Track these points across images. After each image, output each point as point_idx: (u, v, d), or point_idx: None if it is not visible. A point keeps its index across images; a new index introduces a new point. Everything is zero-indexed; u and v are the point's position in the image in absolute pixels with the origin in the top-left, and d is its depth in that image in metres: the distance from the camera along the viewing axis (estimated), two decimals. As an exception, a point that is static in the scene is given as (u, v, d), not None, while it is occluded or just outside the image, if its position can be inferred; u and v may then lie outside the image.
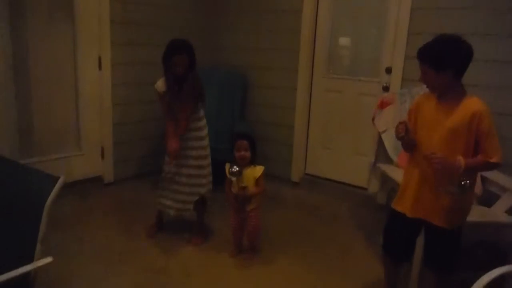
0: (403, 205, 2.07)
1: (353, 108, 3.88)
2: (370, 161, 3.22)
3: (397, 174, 2.84)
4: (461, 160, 1.84)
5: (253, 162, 2.68)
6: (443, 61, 1.84)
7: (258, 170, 2.66)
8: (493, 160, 1.85)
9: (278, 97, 4.21)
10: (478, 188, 2.76)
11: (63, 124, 3.62)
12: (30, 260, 1.46)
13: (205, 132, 2.88)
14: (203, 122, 2.89)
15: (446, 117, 1.91)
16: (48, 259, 1.46)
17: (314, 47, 4.00)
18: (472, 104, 1.86)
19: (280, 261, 2.80)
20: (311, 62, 4.03)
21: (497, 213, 2.59)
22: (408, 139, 1.99)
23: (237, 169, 2.59)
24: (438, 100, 1.96)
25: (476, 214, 2.64)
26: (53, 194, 1.48)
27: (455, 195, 1.89)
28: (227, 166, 2.67)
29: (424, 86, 2.88)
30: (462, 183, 1.84)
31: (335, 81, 3.96)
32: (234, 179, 2.61)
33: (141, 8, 3.89)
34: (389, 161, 3.06)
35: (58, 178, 1.51)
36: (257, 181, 2.65)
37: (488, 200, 2.75)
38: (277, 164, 4.12)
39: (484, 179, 2.78)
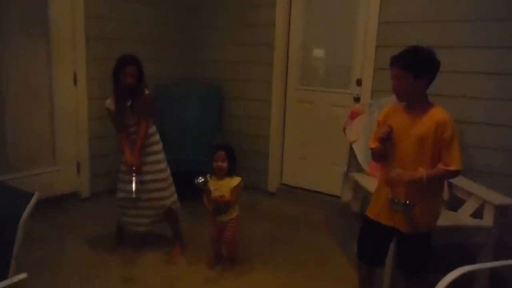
0: (377, 213, 2.15)
1: (326, 119, 3.98)
2: (342, 171, 3.30)
3: (368, 182, 2.93)
4: (422, 171, 1.93)
5: (231, 173, 2.73)
6: (423, 68, 1.94)
7: (235, 180, 2.71)
8: (453, 168, 1.95)
9: (253, 108, 4.29)
10: (445, 194, 2.88)
11: (38, 140, 3.61)
12: (4, 276, 1.47)
13: (160, 146, 2.93)
14: (157, 136, 2.93)
15: (413, 126, 1.99)
16: (23, 275, 1.47)
17: (288, 59, 4.10)
18: (436, 113, 1.96)
19: (258, 270, 2.85)
20: (285, 74, 4.13)
21: (463, 217, 2.70)
22: (385, 145, 2.05)
23: (202, 179, 2.66)
24: (405, 110, 2.05)
25: (444, 218, 2.74)
26: (28, 210, 1.50)
27: (402, 213, 1.98)
28: (208, 178, 2.72)
29: (393, 96, 3.01)
30: (407, 202, 1.93)
31: (308, 93, 4.07)
32: (201, 187, 2.68)
33: (117, 23, 3.93)
34: (361, 169, 3.15)
35: (32, 194, 1.53)
36: (231, 190, 2.69)
37: (455, 204, 2.86)
38: (253, 174, 4.18)
39: (450, 185, 2.89)
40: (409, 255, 2.16)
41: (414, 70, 1.93)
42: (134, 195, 2.70)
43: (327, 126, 3.97)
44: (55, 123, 3.67)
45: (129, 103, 2.75)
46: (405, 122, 2.02)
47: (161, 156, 2.91)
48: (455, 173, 1.99)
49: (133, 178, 2.71)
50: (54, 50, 3.56)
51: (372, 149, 2.17)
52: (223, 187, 2.69)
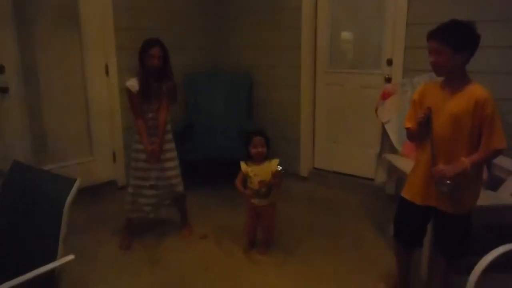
0: (413, 194, 2.12)
1: (356, 101, 3.92)
2: (375, 152, 3.26)
3: (403, 163, 2.88)
4: (464, 161, 1.89)
5: (267, 157, 2.74)
6: (463, 41, 1.87)
7: (274, 163, 2.72)
8: (497, 146, 1.89)
9: (282, 94, 4.27)
10: (484, 173, 2.80)
11: (74, 131, 3.72)
12: (53, 259, 1.53)
13: (171, 134, 2.94)
14: (169, 125, 2.93)
15: (449, 103, 1.94)
16: (70, 257, 1.53)
17: (315, 43, 4.05)
18: (475, 90, 1.89)
19: (294, 254, 2.87)
20: (313, 58, 4.09)
21: (503, 196, 2.63)
22: (426, 125, 1.99)
23: (281, 168, 2.69)
24: (442, 86, 2.00)
25: (484, 198, 2.67)
26: (72, 195, 1.56)
27: (445, 193, 1.95)
28: (243, 163, 2.75)
29: (426, 75, 2.95)
30: (448, 182, 1.90)
31: (338, 75, 4.02)
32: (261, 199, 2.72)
33: (144, 13, 3.97)
34: (394, 151, 3.10)
35: (75, 180, 1.59)
36: (274, 174, 2.70)
37: (494, 184, 2.78)
38: (285, 160, 4.11)
39: (489, 164, 2.81)
40: (449, 237, 2.12)
41: (452, 43, 1.86)
42: (153, 182, 2.78)
43: (357, 108, 3.92)
44: (90, 114, 3.78)
45: (154, 88, 2.75)
46: (442, 99, 1.97)
47: (174, 143, 2.95)
48: (499, 152, 1.93)
49: (153, 165, 2.78)
50: (85, 43, 3.64)
51: (407, 128, 2.13)
52: (263, 171, 2.70)
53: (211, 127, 4.22)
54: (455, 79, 1.95)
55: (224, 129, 4.19)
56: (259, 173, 2.70)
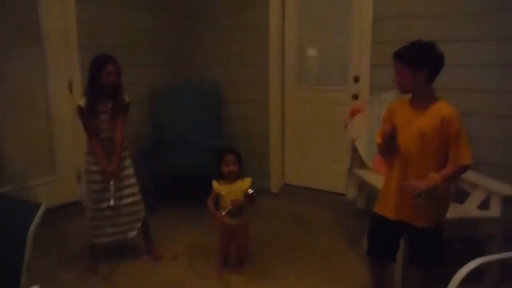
0: (385, 209, 2.13)
1: (325, 117, 3.97)
2: (346, 168, 3.29)
3: (373, 178, 2.92)
4: (434, 177, 1.92)
5: (239, 175, 2.70)
6: (419, 60, 1.92)
7: (247, 182, 2.69)
8: (464, 163, 1.94)
9: (252, 110, 4.27)
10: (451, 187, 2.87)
11: (36, 150, 3.57)
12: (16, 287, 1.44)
13: (128, 151, 2.84)
14: (126, 143, 2.82)
15: (416, 120, 1.98)
16: (35, 287, 1.44)
17: (284, 60, 4.09)
18: (441, 108, 1.94)
19: (268, 272, 2.83)
20: (282, 75, 4.12)
21: (470, 208, 2.70)
22: (391, 141, 2.03)
23: (252, 191, 2.63)
24: (410, 104, 2.05)
25: (451, 211, 2.73)
26: (36, 221, 1.47)
27: (421, 205, 1.96)
28: (215, 182, 2.70)
29: (393, 92, 3.02)
30: (424, 194, 1.92)
31: (306, 92, 4.06)
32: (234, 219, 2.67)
33: (110, 29, 3.90)
34: (364, 166, 3.14)
35: (40, 204, 1.50)
36: (246, 197, 2.65)
37: (460, 197, 2.86)
38: (255, 176, 4.11)
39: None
40: (422, 250, 2.14)
41: (410, 63, 1.93)
42: (112, 203, 2.63)
43: (326, 124, 3.97)
44: (52, 133, 3.64)
45: (109, 106, 2.67)
46: (410, 116, 2.02)
47: (130, 161, 2.86)
48: (467, 168, 1.98)
49: (111, 185, 2.64)
50: (48, 59, 3.53)
51: (378, 144, 2.16)
52: (235, 190, 2.66)
53: (180, 143, 4.15)
54: (420, 96, 2.00)
55: (193, 146, 4.13)
56: (232, 192, 2.66)
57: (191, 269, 2.86)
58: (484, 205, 2.65)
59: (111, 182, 2.64)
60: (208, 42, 4.44)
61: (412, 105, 2.04)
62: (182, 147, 4.12)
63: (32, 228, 1.46)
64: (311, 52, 4.07)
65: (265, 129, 4.21)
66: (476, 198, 2.72)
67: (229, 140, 4.26)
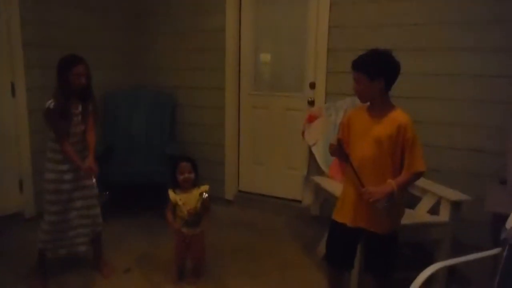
0: (343, 216, 2.16)
1: (281, 123, 3.98)
2: (302, 175, 3.32)
3: (329, 185, 2.96)
4: (391, 183, 1.97)
5: (196, 183, 2.64)
6: (376, 69, 1.97)
7: (203, 189, 2.64)
8: (418, 169, 2.00)
9: (207, 116, 4.21)
10: (402, 192, 2.96)
11: (-27, 158, 3.31)
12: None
13: None
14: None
15: (373, 127, 2.03)
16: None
17: (239, 65, 4.07)
18: (397, 116, 2.00)
19: (223, 281, 2.77)
20: (237, 80, 4.09)
21: (420, 214, 2.79)
22: (340, 150, 2.08)
23: (206, 195, 2.59)
24: (367, 112, 2.09)
25: (403, 216, 2.83)
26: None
27: (381, 210, 2.01)
28: (171, 192, 2.62)
29: (348, 99, 3.08)
30: (385, 203, 1.98)
31: (262, 98, 4.05)
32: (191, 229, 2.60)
33: (58, 29, 3.70)
34: (321, 173, 3.17)
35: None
36: (202, 202, 2.60)
37: (410, 202, 2.96)
38: (209, 183, 4.04)
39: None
40: (377, 256, 2.18)
41: (367, 72, 1.98)
42: (77, 212, 2.55)
43: (282, 131, 3.98)
44: (-8, 140, 3.38)
45: (79, 109, 2.54)
46: (366, 123, 2.07)
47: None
48: (421, 174, 2.04)
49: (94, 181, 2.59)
50: (-13, 59, 3.28)
51: (330, 145, 2.20)
52: (192, 199, 2.59)
53: (132, 150, 4.01)
54: (378, 105, 2.05)
55: (146, 153, 4.00)
56: (188, 201, 2.60)
57: (145, 282, 2.75)
58: (433, 211, 2.75)
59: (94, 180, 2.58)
60: (163, 45, 4.33)
61: (369, 113, 2.08)
62: (135, 154, 3.98)
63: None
64: (267, 57, 4.07)
65: (220, 136, 4.15)
66: (426, 203, 2.82)
67: (183, 147, 4.17)
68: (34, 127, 3.53)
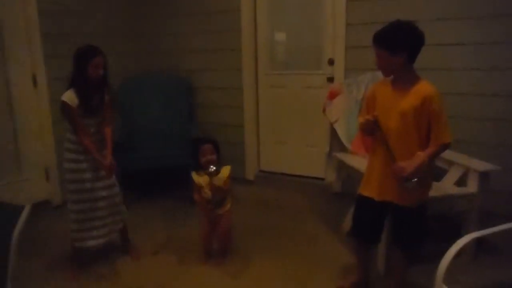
0: (370, 190, 2.15)
1: (300, 102, 3.95)
2: (324, 152, 3.30)
3: (352, 160, 2.94)
4: (421, 155, 1.94)
5: (218, 164, 2.65)
6: (398, 43, 1.91)
7: (225, 170, 2.64)
8: (445, 141, 1.97)
9: (225, 97, 4.20)
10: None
11: (0, 149, 3.37)
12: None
13: None
14: None
15: (398, 100, 1.98)
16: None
17: (256, 44, 4.03)
18: (422, 88, 1.95)
19: (252, 260, 2.80)
20: (255, 60, 4.06)
21: (447, 186, 2.76)
22: (374, 127, 2.05)
23: (214, 168, 2.55)
24: (392, 85, 2.04)
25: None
26: (20, 226, 1.37)
27: (411, 189, 2.00)
28: (194, 174, 2.63)
29: (369, 74, 3.03)
30: (414, 180, 1.96)
31: (280, 77, 4.02)
32: (214, 177, 2.57)
33: (74, 18, 3.71)
34: (343, 149, 3.15)
35: (22, 207, 1.40)
36: (225, 180, 2.61)
37: (436, 175, 2.92)
38: (230, 164, 4.10)
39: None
40: (405, 229, 2.17)
41: (388, 47, 1.93)
42: (102, 203, 2.57)
43: (301, 109, 3.95)
44: (17, 130, 3.44)
45: (96, 100, 2.52)
46: (391, 97, 2.03)
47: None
48: (448, 146, 2.01)
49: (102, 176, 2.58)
50: (8, 52, 3.31)
51: (360, 123, 2.16)
52: (215, 180, 2.60)
53: (152, 135, 4.03)
54: (402, 78, 2.00)
55: (166, 137, 4.02)
56: (216, 178, 2.60)
57: (174, 264, 2.79)
58: (460, 182, 2.72)
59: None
60: (178, 28, 4.31)
61: (394, 86, 2.04)
62: (155, 139, 4.01)
63: (16, 234, 1.36)
64: (284, 36, 4.03)
65: (239, 116, 4.15)
66: (453, 175, 2.78)
67: (203, 129, 4.18)
68: (56, 117, 3.56)
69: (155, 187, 4.11)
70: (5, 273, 1.35)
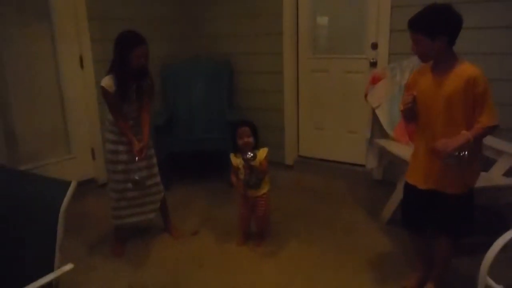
0: (415, 178, 2.10)
1: (341, 87, 3.88)
2: (364, 138, 3.23)
3: (395, 147, 2.87)
4: (466, 133, 1.86)
5: (256, 147, 2.66)
6: (437, 27, 1.84)
7: (262, 152, 2.65)
8: (491, 123, 1.88)
9: (265, 81, 4.18)
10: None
11: (49, 128, 3.53)
12: (50, 269, 1.41)
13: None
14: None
15: (441, 85, 1.92)
16: (69, 266, 1.42)
17: (297, 28, 3.97)
18: (465, 69, 1.87)
19: (288, 244, 2.82)
20: (296, 44, 4.01)
21: (495, 176, 2.65)
22: (413, 109, 2.00)
23: (252, 154, 2.56)
24: (432, 71, 1.97)
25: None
26: (67, 199, 1.44)
27: (454, 166, 1.91)
28: (232, 156, 2.66)
29: (414, 58, 2.92)
30: (461, 154, 1.85)
31: (321, 61, 3.96)
32: (252, 162, 2.57)
33: (118, 2, 3.79)
34: (385, 135, 3.08)
35: (69, 182, 1.46)
36: (262, 162, 2.62)
37: (485, 164, 2.81)
38: (269, 149, 4.10)
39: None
40: (452, 217, 2.09)
41: (427, 32, 1.85)
42: (137, 177, 2.60)
43: (342, 94, 3.88)
44: (65, 110, 3.59)
45: (134, 87, 2.56)
46: (433, 83, 1.96)
47: (152, 149, 2.78)
48: (494, 128, 1.92)
49: (136, 159, 2.59)
50: (57, 33, 3.44)
51: (402, 111, 2.11)
52: (254, 163, 2.60)
53: (192, 118, 4.10)
54: (442, 62, 1.93)
55: (206, 121, 4.08)
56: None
57: (213, 244, 2.86)
58: (509, 173, 2.61)
59: (137, 158, 2.58)
60: (218, 13, 4.32)
61: (435, 71, 1.97)
62: (195, 123, 4.07)
63: (63, 207, 1.42)
64: (326, 19, 3.94)
65: (279, 101, 4.13)
66: (501, 165, 2.68)
67: (243, 113, 4.19)
68: (101, 97, 3.68)
69: (197, 170, 4.18)
70: (54, 244, 1.42)
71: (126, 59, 2.44)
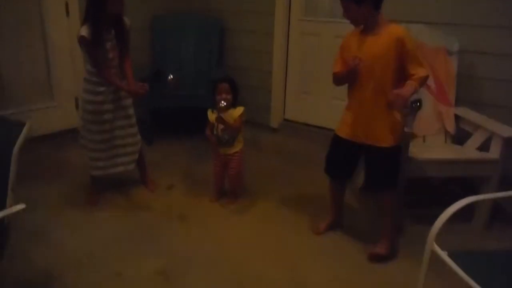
0: (344, 130, 2.29)
1: (330, 51, 3.78)
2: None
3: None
4: (412, 83, 2.01)
5: (233, 105, 2.65)
6: None
7: (238, 110, 2.65)
8: (426, 73, 2.06)
9: (254, 41, 4.12)
10: (450, 127, 2.82)
11: (33, 74, 3.50)
12: (2, 207, 1.44)
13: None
14: None
15: (371, 45, 2.08)
16: (20, 206, 1.44)
17: (290, -12, 3.87)
18: (393, 30, 2.04)
19: (260, 204, 2.87)
20: (288, 4, 3.91)
21: (469, 150, 2.66)
22: (353, 74, 2.14)
23: (224, 103, 2.56)
24: (362, 33, 2.13)
25: (450, 151, 2.72)
26: (21, 140, 1.45)
27: (409, 114, 2.16)
28: (209, 111, 2.67)
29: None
30: (414, 105, 2.12)
31: (313, 24, 3.87)
32: (222, 114, 2.58)
33: None
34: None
35: (24, 123, 1.47)
36: (236, 119, 2.62)
37: (461, 138, 2.81)
38: (255, 110, 4.08)
39: (457, 118, 2.83)
40: (377, 170, 2.25)
41: None
42: (118, 132, 2.65)
43: (331, 59, 3.80)
44: (49, 58, 3.55)
45: (112, 33, 2.52)
46: (363, 44, 2.11)
47: (131, 100, 2.77)
48: (426, 79, 2.08)
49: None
50: (43, -21, 3.36)
51: (335, 73, 2.27)
52: (227, 119, 2.62)
53: (180, 74, 4.04)
54: (372, 25, 2.09)
55: (194, 77, 4.04)
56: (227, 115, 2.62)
57: (187, 197, 2.91)
58: (484, 147, 2.61)
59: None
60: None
61: (365, 34, 2.12)
62: (183, 79, 4.02)
63: (16, 147, 1.43)
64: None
65: (268, 62, 4.07)
66: (476, 139, 2.68)
67: (231, 72, 4.13)
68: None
69: (181, 127, 4.18)
70: (6, 184, 1.44)
71: (103, 5, 2.39)
